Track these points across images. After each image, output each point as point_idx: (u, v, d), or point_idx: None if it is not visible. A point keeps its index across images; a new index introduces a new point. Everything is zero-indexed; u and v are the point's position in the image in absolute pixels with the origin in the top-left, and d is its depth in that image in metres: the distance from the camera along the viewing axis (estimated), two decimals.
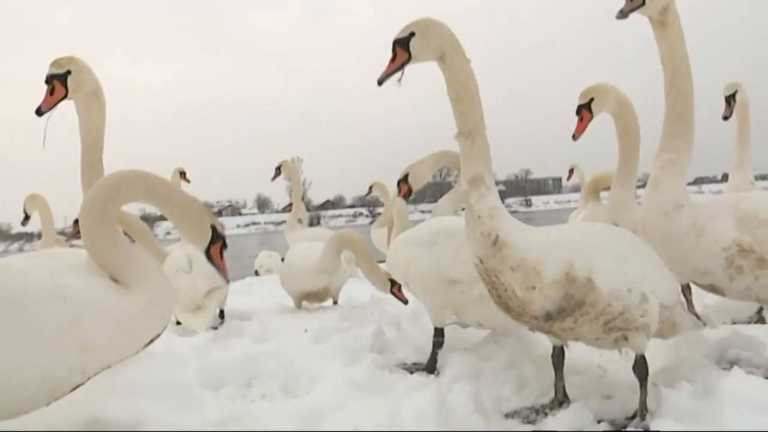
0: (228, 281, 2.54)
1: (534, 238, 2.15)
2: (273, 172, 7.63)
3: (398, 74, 2.31)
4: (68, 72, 2.61)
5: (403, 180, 3.62)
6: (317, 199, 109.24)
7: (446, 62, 2.25)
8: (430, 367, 2.94)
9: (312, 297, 4.84)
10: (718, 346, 2.78)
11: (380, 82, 2.30)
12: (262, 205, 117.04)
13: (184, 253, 4.05)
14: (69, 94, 2.61)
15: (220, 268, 2.32)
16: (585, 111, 3.00)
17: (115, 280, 2.13)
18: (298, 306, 4.90)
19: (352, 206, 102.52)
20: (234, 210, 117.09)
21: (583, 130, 3.00)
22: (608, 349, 2.37)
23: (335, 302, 5.00)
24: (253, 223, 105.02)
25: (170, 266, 3.90)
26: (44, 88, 2.58)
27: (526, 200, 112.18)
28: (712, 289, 2.67)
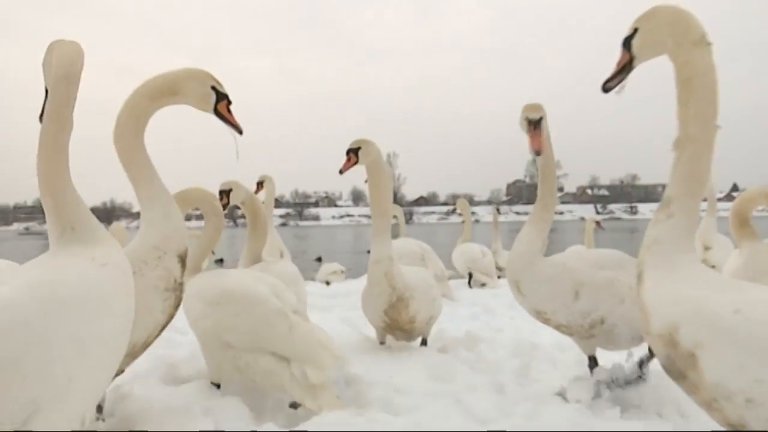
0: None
1: (670, 284, 1.86)
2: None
3: (624, 81, 2.16)
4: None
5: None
6: (410, 195, 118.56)
7: (673, 55, 2.01)
8: None
9: (400, 334, 3.88)
10: None
11: (606, 89, 2.17)
12: (357, 198, 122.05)
13: (261, 272, 3.33)
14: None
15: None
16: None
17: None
18: (381, 340, 3.96)
19: (445, 203, 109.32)
20: (330, 201, 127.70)
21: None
22: None
23: (424, 342, 4.01)
24: (348, 215, 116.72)
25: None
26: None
27: (632, 207, 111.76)
28: None
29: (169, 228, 2.45)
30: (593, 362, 3.12)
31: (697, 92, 1.96)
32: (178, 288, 2.46)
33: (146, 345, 2.43)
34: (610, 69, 2.18)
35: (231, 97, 2.64)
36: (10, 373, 1.42)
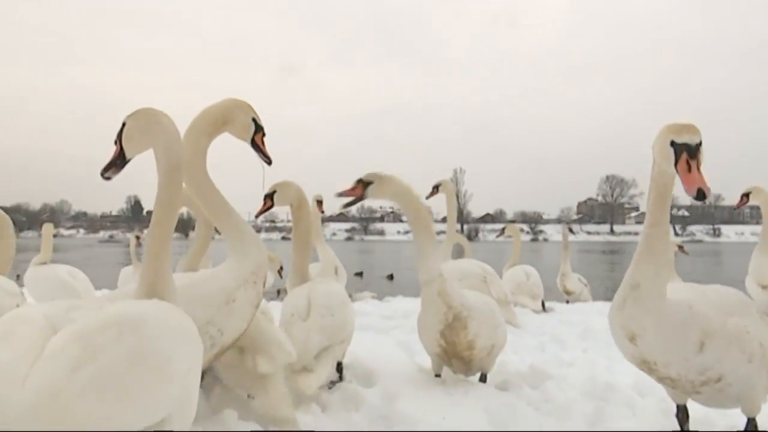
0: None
1: None
2: (430, 190, 6.74)
3: None
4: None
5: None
6: (477, 211, 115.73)
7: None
8: None
9: (458, 364, 3.48)
10: None
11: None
12: None
13: (306, 293, 3.42)
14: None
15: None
16: None
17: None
18: (437, 372, 3.57)
19: (512, 221, 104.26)
20: (396, 216, 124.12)
21: None
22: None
23: (483, 378, 3.60)
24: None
25: (287, 307, 3.45)
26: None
27: (714, 229, 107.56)
28: None
29: (261, 258, 2.86)
30: (684, 414, 2.69)
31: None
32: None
33: (231, 346, 2.81)
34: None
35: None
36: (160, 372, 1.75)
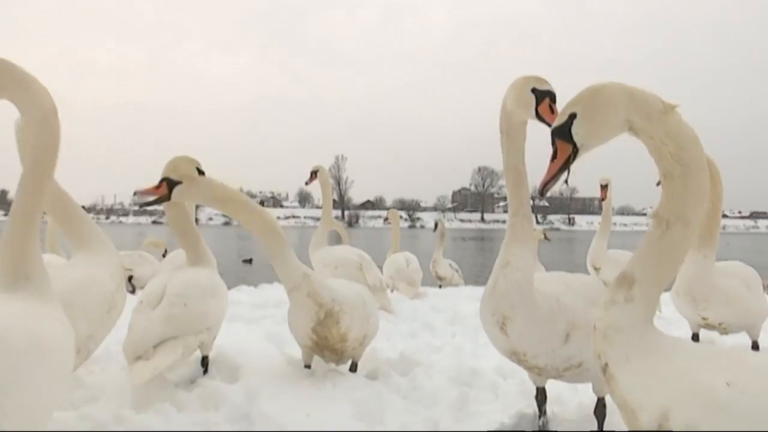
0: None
1: (647, 372, 1.64)
2: (309, 175, 6.72)
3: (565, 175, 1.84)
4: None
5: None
6: (357, 198, 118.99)
7: (645, 131, 1.76)
8: None
9: (330, 355, 3.37)
10: None
11: (542, 193, 1.94)
12: (303, 199, 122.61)
13: (166, 280, 3.18)
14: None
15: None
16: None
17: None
18: (307, 363, 3.43)
19: (392, 208, 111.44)
20: (276, 202, 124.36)
21: None
22: None
23: (354, 368, 3.51)
24: (294, 216, 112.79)
25: (142, 294, 3.23)
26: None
27: (570, 218, 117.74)
28: None
29: (116, 256, 2.98)
30: (542, 396, 2.78)
31: (691, 166, 1.74)
32: None
33: None
34: (545, 169, 1.87)
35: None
36: None
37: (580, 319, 2.43)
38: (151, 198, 2.98)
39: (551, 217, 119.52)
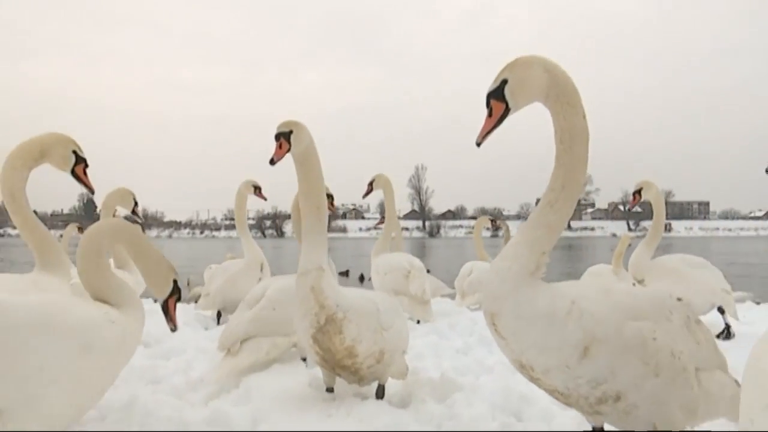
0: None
1: None
2: (365, 188, 6.27)
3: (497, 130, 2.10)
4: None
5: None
6: (438, 208, 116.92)
7: (550, 105, 2.08)
8: None
9: (346, 375, 2.97)
10: None
11: (479, 144, 2.12)
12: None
13: (265, 286, 3.72)
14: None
15: (172, 319, 2.62)
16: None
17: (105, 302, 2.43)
18: (329, 386, 3.05)
19: (473, 217, 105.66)
20: (357, 213, 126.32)
21: None
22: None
23: (381, 392, 3.07)
24: (375, 228, 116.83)
25: (248, 295, 3.77)
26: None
27: (666, 224, 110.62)
28: None
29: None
30: None
31: (575, 150, 2.09)
32: None
33: None
34: (481, 124, 2.16)
35: (88, 162, 3.23)
36: None
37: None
38: (285, 152, 2.84)
39: (645, 224, 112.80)
